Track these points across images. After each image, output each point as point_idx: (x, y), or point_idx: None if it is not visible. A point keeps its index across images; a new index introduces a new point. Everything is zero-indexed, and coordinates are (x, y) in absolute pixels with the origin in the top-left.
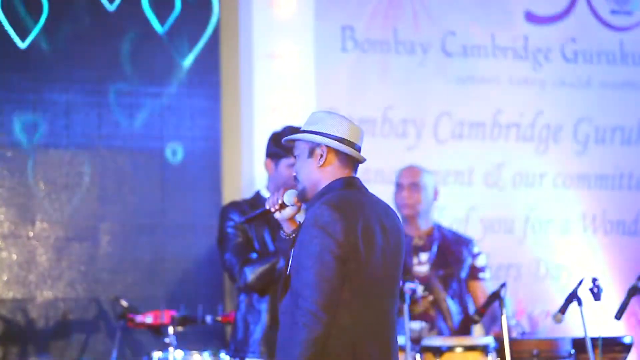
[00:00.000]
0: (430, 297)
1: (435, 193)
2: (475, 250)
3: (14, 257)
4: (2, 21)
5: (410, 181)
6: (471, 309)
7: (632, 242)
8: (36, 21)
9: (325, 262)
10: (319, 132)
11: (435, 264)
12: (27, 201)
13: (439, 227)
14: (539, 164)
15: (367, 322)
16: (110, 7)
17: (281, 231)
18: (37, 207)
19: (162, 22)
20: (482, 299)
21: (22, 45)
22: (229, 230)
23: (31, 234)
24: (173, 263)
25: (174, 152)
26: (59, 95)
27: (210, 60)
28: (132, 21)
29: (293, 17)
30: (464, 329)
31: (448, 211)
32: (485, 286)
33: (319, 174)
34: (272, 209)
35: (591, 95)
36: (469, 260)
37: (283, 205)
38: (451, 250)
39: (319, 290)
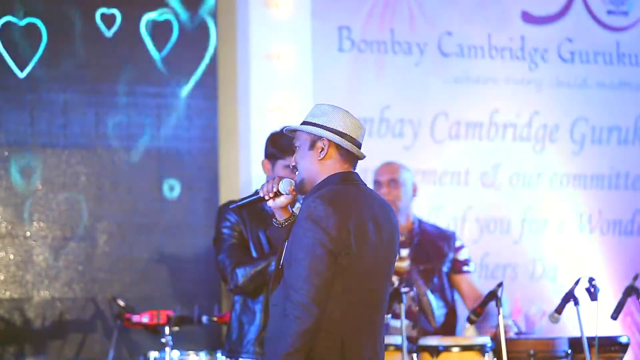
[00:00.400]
0: (412, 293)
1: (414, 189)
2: (457, 243)
3: (11, 256)
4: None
5: (388, 177)
6: (458, 302)
7: (629, 242)
8: (34, 51)
9: (317, 255)
10: (323, 126)
11: (416, 259)
12: (24, 201)
13: (419, 222)
14: (535, 164)
15: (356, 317)
16: (108, 34)
17: (274, 219)
18: (34, 207)
19: (159, 48)
20: (469, 292)
21: (21, 75)
22: (225, 230)
23: (28, 233)
24: (170, 263)
25: (171, 188)
26: (57, 94)
27: (209, 61)
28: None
29: (290, 18)
30: (447, 324)
31: (445, 211)
32: (471, 279)
33: (318, 166)
34: (266, 197)
35: (588, 96)
36: (450, 254)
37: (278, 194)
38: (432, 245)
39: (311, 283)
